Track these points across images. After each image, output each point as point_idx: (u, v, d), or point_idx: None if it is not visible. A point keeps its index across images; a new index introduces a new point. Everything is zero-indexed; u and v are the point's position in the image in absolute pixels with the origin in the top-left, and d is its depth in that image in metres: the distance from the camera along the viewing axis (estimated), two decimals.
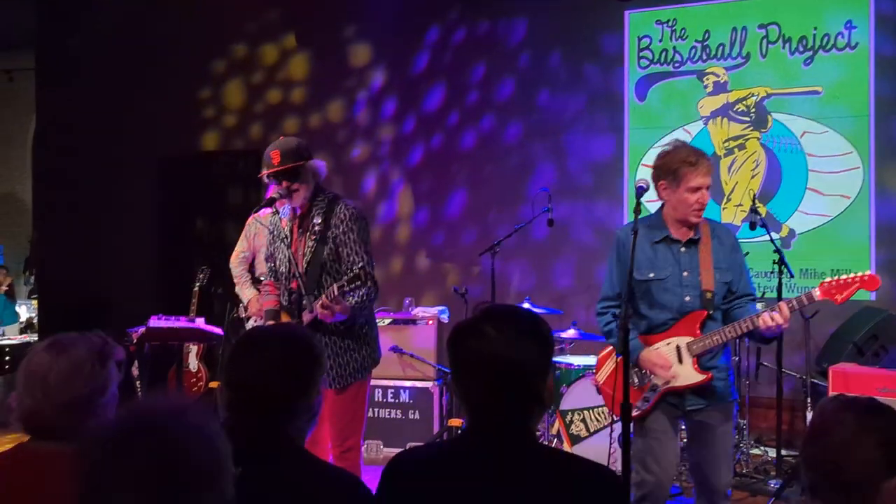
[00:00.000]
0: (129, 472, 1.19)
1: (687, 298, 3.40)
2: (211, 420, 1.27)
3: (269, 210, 5.28)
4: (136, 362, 5.49)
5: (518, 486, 1.69)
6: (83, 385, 1.94)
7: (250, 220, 5.33)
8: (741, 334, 3.37)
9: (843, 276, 3.42)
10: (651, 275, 3.43)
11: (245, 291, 5.24)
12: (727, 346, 3.49)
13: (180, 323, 4.83)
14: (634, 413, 3.40)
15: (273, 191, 3.95)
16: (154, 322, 4.76)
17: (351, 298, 3.67)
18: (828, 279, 3.43)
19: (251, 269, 5.38)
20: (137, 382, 5.46)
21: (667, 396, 3.42)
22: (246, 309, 5.13)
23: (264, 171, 3.86)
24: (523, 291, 6.69)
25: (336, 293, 3.58)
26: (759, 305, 3.52)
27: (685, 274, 3.42)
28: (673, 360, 3.39)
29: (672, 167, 3.39)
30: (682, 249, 3.45)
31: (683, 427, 3.68)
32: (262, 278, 5.25)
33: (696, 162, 3.36)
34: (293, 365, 1.87)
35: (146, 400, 1.32)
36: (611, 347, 3.67)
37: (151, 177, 8.09)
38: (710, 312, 3.39)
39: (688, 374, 3.38)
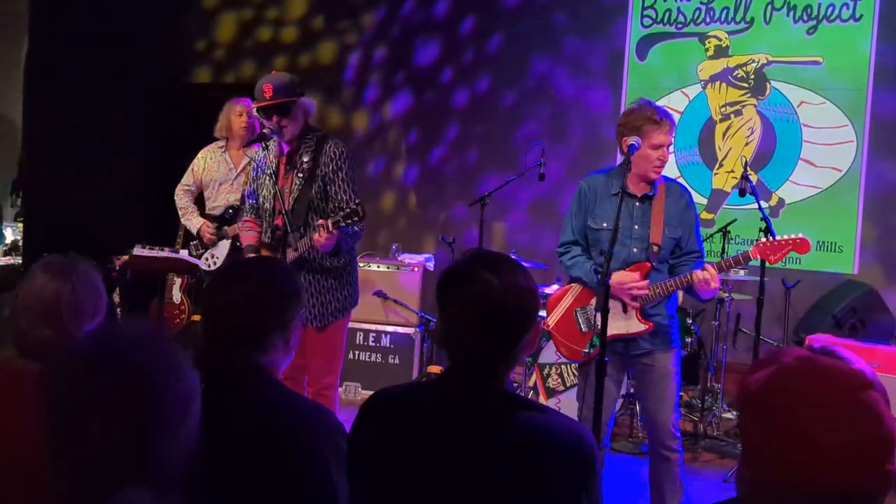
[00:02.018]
0: (95, 396, 1.19)
1: (634, 250, 3.60)
2: (178, 350, 1.27)
3: (216, 144, 5.35)
4: (117, 290, 5.49)
5: (490, 433, 1.70)
6: (94, 313, 1.99)
7: (200, 154, 5.43)
8: (680, 288, 3.57)
9: (778, 238, 3.60)
10: (604, 224, 3.61)
11: (193, 220, 5.31)
12: (673, 296, 3.66)
13: (164, 253, 4.82)
14: (582, 357, 3.67)
15: (261, 127, 3.96)
16: (138, 251, 4.76)
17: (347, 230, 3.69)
18: (762, 240, 3.63)
19: (198, 203, 5.43)
20: (118, 310, 5.45)
21: (612, 344, 3.55)
22: (198, 237, 5.16)
23: (255, 104, 3.87)
24: (510, 245, 6.70)
25: (331, 228, 3.58)
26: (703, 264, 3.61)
27: (636, 227, 3.61)
28: (618, 309, 3.56)
29: (636, 124, 3.53)
30: (637, 204, 3.63)
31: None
32: (213, 213, 5.27)
33: (660, 120, 3.52)
34: (270, 297, 1.88)
35: (115, 326, 1.33)
36: (565, 288, 3.82)
37: (143, 106, 8.02)
38: (654, 265, 3.58)
39: (631, 323, 3.58)
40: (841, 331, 5.55)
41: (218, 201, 5.36)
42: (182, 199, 5.41)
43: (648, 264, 3.57)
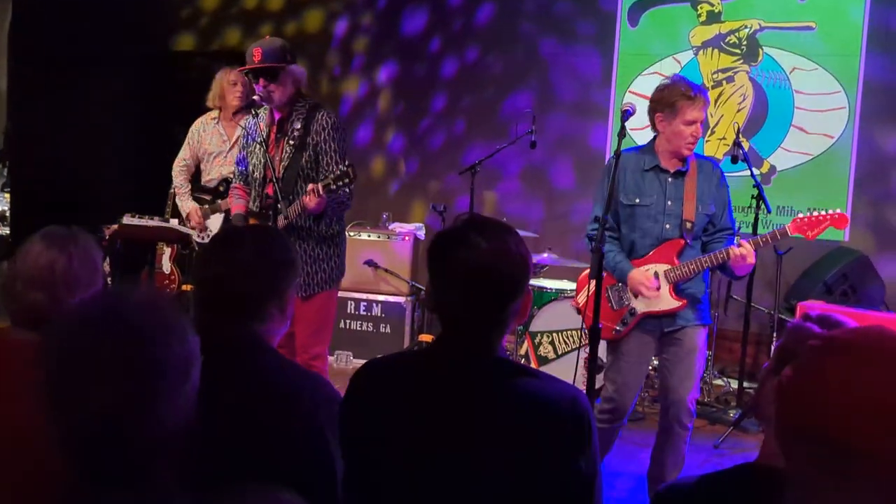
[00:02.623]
0: (92, 362, 1.17)
1: (667, 226, 3.58)
2: (179, 313, 1.26)
3: (209, 115, 5.23)
4: (107, 259, 5.45)
5: (484, 399, 1.70)
6: (89, 285, 1.97)
7: (193, 126, 5.30)
8: (714, 265, 3.55)
9: (815, 213, 3.61)
10: (637, 200, 3.60)
11: (185, 203, 5.15)
12: (706, 274, 3.67)
13: (154, 222, 4.79)
14: (612, 335, 3.64)
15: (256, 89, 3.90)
16: (128, 220, 4.72)
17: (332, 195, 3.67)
18: (800, 215, 3.63)
19: (194, 179, 5.31)
20: (109, 279, 5.42)
21: (644, 321, 3.60)
22: (187, 221, 5.06)
23: (244, 67, 3.87)
24: (501, 214, 6.68)
25: (321, 191, 3.57)
26: (736, 240, 3.59)
27: (669, 203, 3.58)
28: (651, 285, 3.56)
29: (670, 100, 3.53)
30: (670, 180, 3.60)
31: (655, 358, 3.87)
32: (208, 185, 5.18)
33: (694, 96, 3.51)
34: (266, 265, 1.86)
35: (112, 291, 1.30)
36: None
37: (128, 74, 7.95)
38: (688, 242, 3.57)
39: (664, 300, 3.57)
40: (832, 297, 5.57)
41: (212, 174, 5.26)
42: (178, 177, 5.28)
43: (682, 241, 3.57)
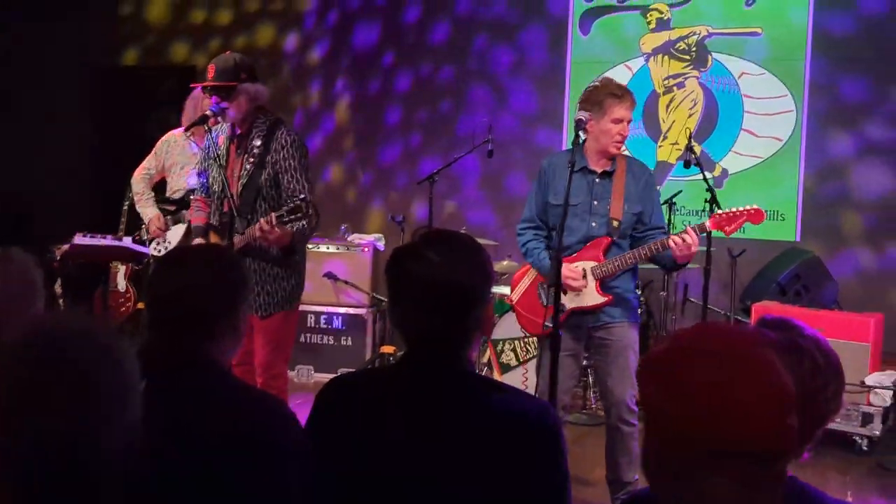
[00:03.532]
0: (26, 390, 1.14)
1: (594, 224, 3.65)
2: (118, 339, 1.23)
3: (181, 130, 5.12)
4: (59, 280, 5.35)
5: (454, 415, 1.69)
6: (28, 307, 1.92)
7: (165, 137, 5.22)
8: (646, 257, 3.60)
9: (732, 209, 3.62)
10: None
11: (146, 210, 5.10)
12: (635, 271, 3.75)
13: (106, 241, 4.70)
14: (543, 331, 3.68)
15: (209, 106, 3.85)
16: (79, 240, 4.62)
17: (290, 227, 3.60)
18: (718, 211, 3.66)
19: (158, 189, 5.23)
20: (61, 301, 5.32)
21: (571, 317, 3.65)
22: (147, 230, 5.01)
23: (200, 84, 3.85)
24: (460, 222, 6.69)
25: (274, 221, 3.51)
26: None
27: (595, 202, 3.66)
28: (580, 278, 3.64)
29: (598, 99, 3.59)
30: (597, 180, 3.68)
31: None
32: (173, 197, 5.11)
33: (622, 95, 3.59)
34: (218, 285, 1.84)
35: (47, 316, 1.27)
36: (525, 266, 3.92)
37: (80, 89, 7.84)
38: (615, 239, 3.64)
39: (591, 296, 3.63)
40: (786, 297, 5.66)
41: (179, 184, 5.16)
42: (139, 184, 5.19)
43: (608, 239, 3.62)
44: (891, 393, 4.94)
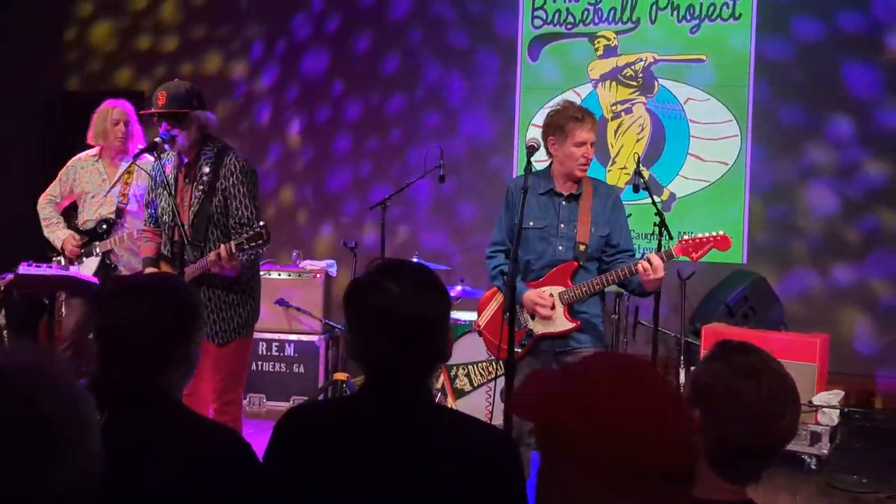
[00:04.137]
0: None
1: (560, 248, 3.65)
2: (68, 373, 1.19)
3: (89, 153, 5.00)
4: (2, 311, 5.20)
5: (415, 446, 1.69)
6: None
7: (70, 163, 5.04)
8: (614, 283, 3.59)
9: (699, 235, 3.63)
10: (531, 223, 3.65)
11: (57, 233, 4.89)
12: (603, 295, 3.75)
13: (52, 270, 4.59)
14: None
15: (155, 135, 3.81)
16: (24, 269, 4.51)
17: (243, 257, 3.58)
18: (685, 237, 3.66)
19: (68, 214, 5.03)
20: (4, 332, 5.17)
21: (540, 342, 3.67)
22: (61, 253, 4.83)
23: (147, 111, 3.77)
24: (412, 248, 6.69)
25: (234, 250, 3.48)
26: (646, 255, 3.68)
27: (562, 225, 3.66)
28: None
29: (560, 123, 3.62)
30: (563, 203, 3.68)
31: None
32: (85, 227, 4.91)
33: (583, 118, 3.61)
34: (168, 315, 1.80)
35: None
36: (493, 289, 3.90)
37: (24, 116, 7.69)
38: (582, 263, 3.63)
39: (559, 322, 3.63)
40: (734, 319, 5.75)
41: (90, 215, 4.94)
42: (45, 209, 4.97)
43: (575, 263, 3.62)
44: (838, 412, 5.04)
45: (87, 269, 4.77)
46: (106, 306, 1.83)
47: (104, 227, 4.87)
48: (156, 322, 1.77)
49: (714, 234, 3.62)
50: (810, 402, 4.98)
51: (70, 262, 4.84)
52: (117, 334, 1.78)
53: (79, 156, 5.08)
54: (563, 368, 1.29)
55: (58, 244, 4.89)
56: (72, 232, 4.87)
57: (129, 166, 4.81)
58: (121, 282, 1.90)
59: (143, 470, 1.59)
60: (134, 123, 5.00)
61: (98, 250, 4.83)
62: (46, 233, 4.99)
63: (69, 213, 5.09)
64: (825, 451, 4.93)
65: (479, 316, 3.97)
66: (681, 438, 1.15)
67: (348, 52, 7.37)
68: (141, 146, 4.95)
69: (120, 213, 4.88)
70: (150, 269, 3.82)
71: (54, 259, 4.90)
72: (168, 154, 3.86)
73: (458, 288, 5.86)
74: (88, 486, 1.18)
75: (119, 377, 1.73)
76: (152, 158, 3.90)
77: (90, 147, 5.06)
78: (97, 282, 4.67)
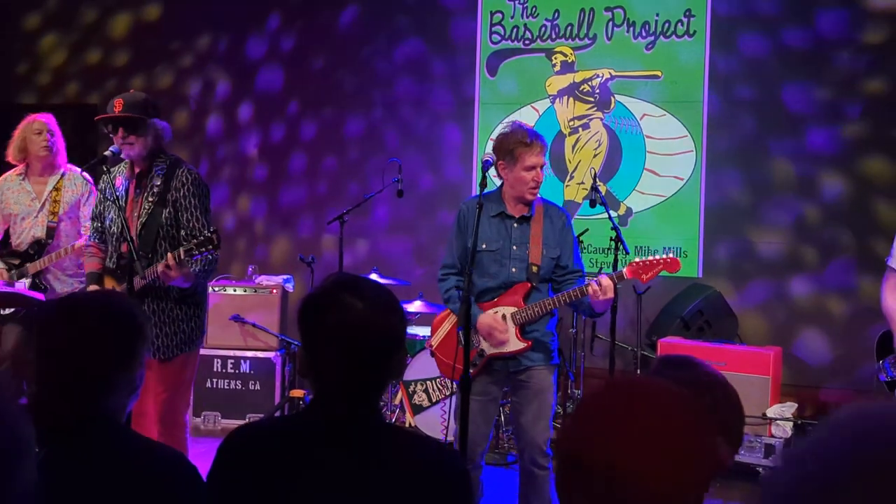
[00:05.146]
0: None
1: (513, 270, 3.66)
2: (7, 397, 1.15)
3: (14, 171, 4.80)
4: None
5: (364, 465, 1.66)
6: None
7: None
8: (566, 303, 3.64)
9: (649, 258, 3.67)
10: (483, 245, 3.66)
11: None
12: (554, 314, 3.76)
13: None
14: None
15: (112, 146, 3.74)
16: None
17: (194, 266, 3.53)
18: (636, 259, 3.69)
19: (5, 241, 4.82)
20: None
21: (493, 362, 3.67)
22: None
23: (103, 115, 3.70)
24: (370, 263, 6.66)
25: (182, 256, 3.44)
26: (587, 281, 3.70)
27: (514, 248, 3.67)
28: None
29: (508, 147, 3.62)
30: (515, 225, 3.70)
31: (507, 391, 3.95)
32: (19, 249, 4.74)
33: (531, 143, 3.60)
34: (111, 335, 1.75)
35: None
36: (446, 311, 3.89)
37: None
38: (535, 284, 3.65)
39: (511, 342, 3.64)
40: (689, 332, 5.80)
41: (23, 237, 4.74)
42: None
43: (529, 284, 3.64)
44: (791, 424, 5.10)
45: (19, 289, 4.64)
46: (45, 328, 1.77)
47: (36, 248, 4.70)
48: (98, 343, 1.72)
49: (663, 256, 3.67)
50: (764, 414, 5.03)
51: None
52: (58, 356, 1.72)
53: (3, 175, 4.86)
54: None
55: None
56: (2, 268, 4.66)
57: (58, 182, 4.69)
58: (61, 302, 1.84)
59: (84, 497, 1.53)
60: (58, 135, 4.80)
61: (29, 273, 4.68)
62: None
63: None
64: None
65: (431, 336, 3.97)
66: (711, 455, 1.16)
67: (303, 69, 7.33)
68: (66, 163, 4.80)
69: (51, 232, 4.71)
70: (93, 286, 3.74)
71: None
72: (119, 167, 3.81)
73: (418, 303, 5.84)
74: None
75: (60, 401, 1.67)
76: (95, 173, 3.83)
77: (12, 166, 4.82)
78: (43, 298, 4.57)
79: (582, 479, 1.15)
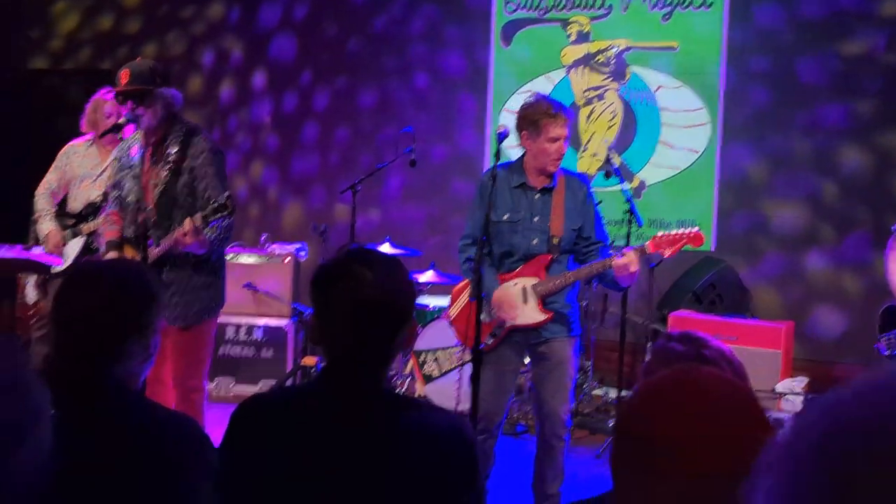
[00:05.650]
0: None
1: (534, 241, 3.65)
2: (20, 363, 1.16)
3: (83, 139, 4.95)
4: None
5: (372, 435, 1.68)
6: None
7: (65, 148, 4.97)
8: (588, 277, 3.66)
9: (673, 232, 3.69)
10: (505, 216, 3.66)
11: (42, 225, 4.82)
12: (575, 285, 3.75)
13: (13, 252, 4.50)
14: (482, 346, 3.63)
15: (123, 114, 3.74)
16: None
17: (210, 233, 3.53)
18: (659, 233, 3.71)
19: (63, 204, 4.96)
20: None
21: (513, 333, 3.68)
22: (39, 243, 4.76)
23: (113, 90, 3.71)
24: (383, 232, 6.66)
25: (199, 223, 3.43)
26: (612, 252, 3.69)
27: (535, 219, 3.66)
28: (518, 301, 3.62)
29: (533, 118, 3.60)
30: (537, 196, 3.68)
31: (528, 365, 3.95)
32: (74, 210, 4.86)
33: (556, 114, 3.59)
34: (125, 303, 1.77)
35: None
36: (465, 281, 3.90)
37: None
38: (556, 256, 3.65)
39: (532, 314, 3.63)
40: (701, 306, 5.79)
41: (79, 199, 4.90)
42: (40, 200, 4.91)
43: (549, 256, 3.64)
44: (801, 399, 5.10)
45: (70, 250, 4.74)
46: (63, 294, 1.79)
47: (90, 209, 4.83)
48: (112, 309, 1.74)
49: (688, 231, 3.68)
50: (773, 389, 5.04)
51: (51, 254, 4.78)
52: (73, 323, 1.74)
53: (72, 142, 5.03)
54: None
55: (41, 235, 4.82)
56: (54, 229, 4.79)
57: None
58: (76, 270, 1.86)
59: (96, 464, 1.56)
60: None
61: (83, 232, 4.79)
62: (37, 226, 4.92)
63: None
64: None
65: (450, 307, 3.97)
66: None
67: (317, 38, 7.29)
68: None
69: (106, 196, 4.83)
70: (112, 253, 3.76)
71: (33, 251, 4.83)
72: (135, 136, 3.81)
73: (430, 273, 5.85)
74: (39, 479, 1.15)
75: (75, 368, 1.69)
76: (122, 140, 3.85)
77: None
78: (61, 262, 4.61)
79: (644, 454, 1.16)
